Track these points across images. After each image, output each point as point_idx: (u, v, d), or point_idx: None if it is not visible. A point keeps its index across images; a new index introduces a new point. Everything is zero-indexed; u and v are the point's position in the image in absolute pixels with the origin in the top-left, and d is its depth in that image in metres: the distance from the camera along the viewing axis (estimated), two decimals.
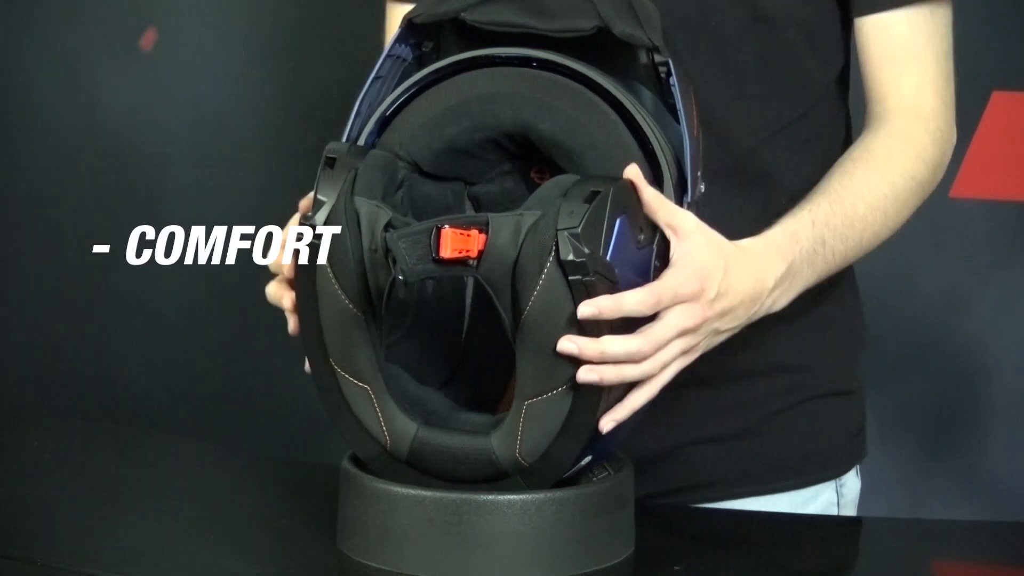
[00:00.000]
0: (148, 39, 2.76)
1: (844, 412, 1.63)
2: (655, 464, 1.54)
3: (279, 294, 1.37)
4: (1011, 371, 2.53)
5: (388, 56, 1.39)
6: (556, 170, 1.35)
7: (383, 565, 1.31)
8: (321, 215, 1.28)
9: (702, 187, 1.35)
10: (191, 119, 2.76)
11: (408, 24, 1.38)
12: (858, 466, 1.65)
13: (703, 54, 1.51)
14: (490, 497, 1.29)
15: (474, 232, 1.24)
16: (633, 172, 1.29)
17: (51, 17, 2.78)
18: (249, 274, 2.90)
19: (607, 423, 1.29)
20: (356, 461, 1.36)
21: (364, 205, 1.27)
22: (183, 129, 2.76)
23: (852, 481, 1.64)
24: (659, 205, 1.30)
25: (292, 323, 1.36)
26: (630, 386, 1.30)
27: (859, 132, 1.58)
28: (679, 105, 1.33)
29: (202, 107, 2.75)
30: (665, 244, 1.32)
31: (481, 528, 1.29)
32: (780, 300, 1.42)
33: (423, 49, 1.41)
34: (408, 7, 1.41)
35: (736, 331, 1.39)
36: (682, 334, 1.31)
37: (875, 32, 1.54)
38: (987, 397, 2.54)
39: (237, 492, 1.60)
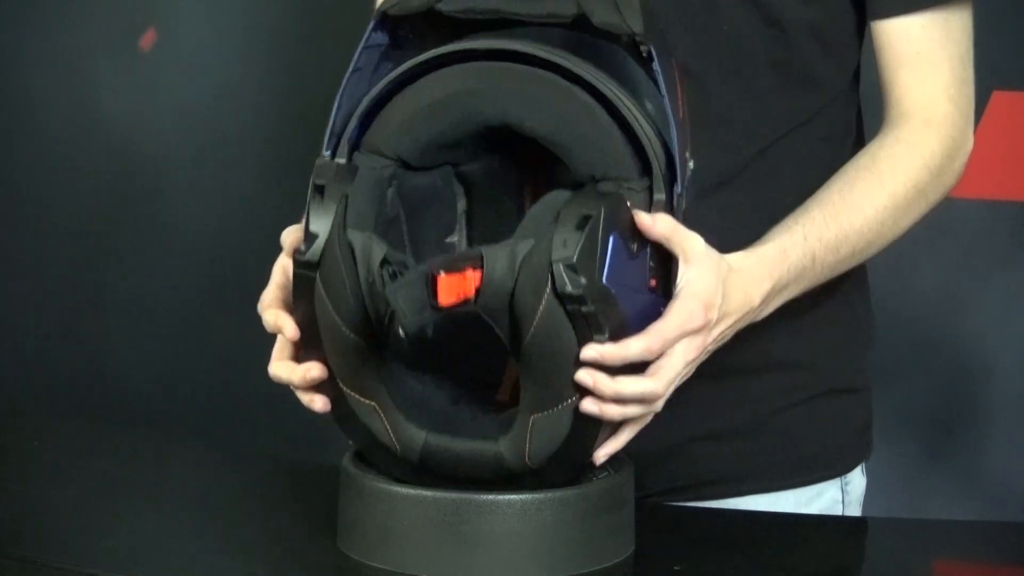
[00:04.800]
0: (147, 39, 2.76)
1: (849, 410, 1.63)
2: (659, 462, 1.54)
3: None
4: (1011, 371, 2.53)
5: (365, 48, 1.38)
6: (543, 159, 1.34)
7: (383, 565, 1.31)
8: (315, 251, 1.27)
9: (691, 164, 1.35)
10: (191, 119, 2.76)
11: (382, 16, 1.37)
12: (864, 464, 1.65)
13: (714, 57, 1.51)
14: (490, 497, 1.29)
15: (469, 272, 1.22)
16: (653, 222, 1.31)
17: (51, 17, 2.78)
18: (249, 274, 2.90)
19: (602, 456, 1.31)
20: (356, 461, 1.36)
21: (357, 239, 1.26)
22: (183, 129, 2.76)
23: (858, 479, 1.64)
24: (671, 232, 1.31)
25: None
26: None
27: (872, 129, 1.58)
28: (663, 90, 1.32)
29: (202, 107, 2.75)
30: (659, 246, 1.32)
31: (481, 528, 1.29)
32: (763, 312, 1.45)
33: (400, 34, 1.40)
34: None
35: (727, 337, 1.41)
36: (686, 365, 1.34)
37: (890, 36, 1.54)
38: (987, 397, 2.54)
39: (237, 492, 1.60)
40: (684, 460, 1.57)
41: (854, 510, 1.63)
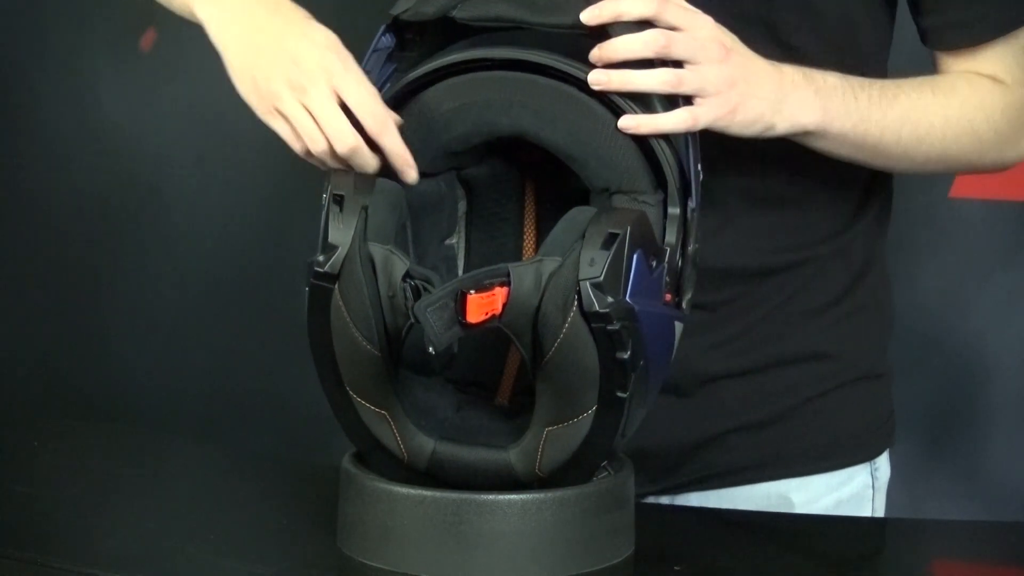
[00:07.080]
0: (147, 40, 2.76)
1: (875, 395, 1.65)
2: (693, 453, 1.55)
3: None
4: (1011, 371, 2.52)
5: (374, 51, 1.39)
6: (545, 161, 1.34)
7: (383, 565, 1.31)
8: (335, 263, 1.27)
9: (700, 175, 1.35)
10: (191, 119, 2.76)
11: (394, 21, 1.37)
12: (888, 451, 1.66)
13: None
14: (490, 497, 1.29)
15: (497, 290, 1.23)
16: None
17: (51, 17, 2.78)
18: (249, 274, 2.90)
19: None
20: (356, 461, 1.36)
21: (378, 252, 1.27)
22: (183, 129, 2.76)
23: (884, 465, 1.66)
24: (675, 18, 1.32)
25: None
26: (646, 403, 1.31)
27: None
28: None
29: (202, 107, 2.75)
30: (672, 259, 1.32)
31: (481, 528, 1.29)
32: (800, 111, 1.40)
33: (406, 36, 1.40)
34: None
35: (762, 92, 1.38)
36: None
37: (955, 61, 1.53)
38: (987, 397, 2.54)
39: (237, 492, 1.60)
40: (718, 450, 1.59)
41: (882, 496, 1.66)
